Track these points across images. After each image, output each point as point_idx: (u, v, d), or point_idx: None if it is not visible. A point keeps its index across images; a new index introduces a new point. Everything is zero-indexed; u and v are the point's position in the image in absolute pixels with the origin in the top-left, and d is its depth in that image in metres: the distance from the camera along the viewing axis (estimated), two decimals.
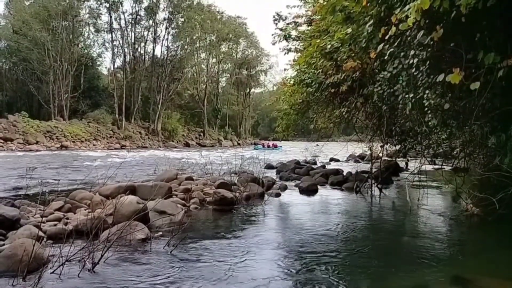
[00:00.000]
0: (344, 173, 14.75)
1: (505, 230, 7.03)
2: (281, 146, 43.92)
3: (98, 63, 58.15)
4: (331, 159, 24.26)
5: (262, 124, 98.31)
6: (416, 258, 5.53)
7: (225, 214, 8.57)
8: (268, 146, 45.89)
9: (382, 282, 4.55)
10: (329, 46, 9.38)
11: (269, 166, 18.49)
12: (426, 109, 6.73)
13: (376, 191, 11.91)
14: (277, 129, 16.83)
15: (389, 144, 13.91)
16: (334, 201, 10.87)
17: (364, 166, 15.12)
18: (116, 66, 57.70)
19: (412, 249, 6.04)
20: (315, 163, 20.98)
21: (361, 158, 23.03)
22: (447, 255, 5.86)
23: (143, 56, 59.15)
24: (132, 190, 8.16)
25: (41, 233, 5.75)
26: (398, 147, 13.77)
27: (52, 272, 4.55)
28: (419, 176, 10.38)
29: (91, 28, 55.36)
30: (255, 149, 44.03)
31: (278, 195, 11.06)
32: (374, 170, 12.90)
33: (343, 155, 23.09)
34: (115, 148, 44.19)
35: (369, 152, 13.45)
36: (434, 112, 7.18)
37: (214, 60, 71.12)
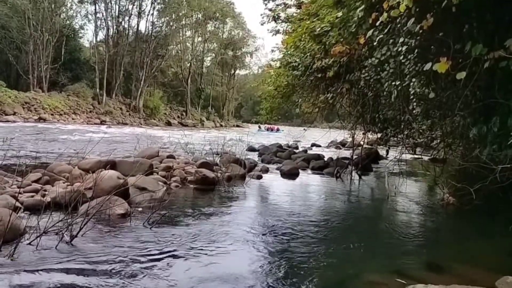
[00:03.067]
0: (325, 159, 14.88)
1: (480, 220, 7.24)
2: (282, 130, 44.85)
3: (80, 35, 56.58)
4: (313, 144, 24.45)
5: (245, 107, 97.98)
6: (392, 244, 5.67)
7: (206, 194, 8.57)
8: (272, 130, 47.30)
9: (357, 267, 4.64)
10: (318, 29, 9.35)
11: (252, 149, 18.51)
12: (411, 97, 6.82)
13: (356, 177, 12.09)
14: (261, 111, 16.81)
15: (371, 132, 14.09)
16: (315, 186, 10.99)
17: (345, 153, 15.29)
18: (98, 39, 56.37)
19: (388, 235, 6.17)
20: (297, 148, 21.10)
21: (343, 144, 23.31)
22: (422, 242, 6.02)
23: (127, 31, 57.86)
24: (112, 165, 8.06)
25: (18, 204, 5.66)
26: (379, 135, 13.96)
27: (29, 244, 4.49)
28: (399, 164, 10.54)
29: None
30: (258, 131, 44.94)
31: (259, 177, 11.10)
32: (355, 157, 13.08)
33: (325, 141, 23.30)
34: (95, 123, 43.47)
35: (350, 139, 13.59)
36: (418, 101, 7.28)
37: (199, 38, 70.11)
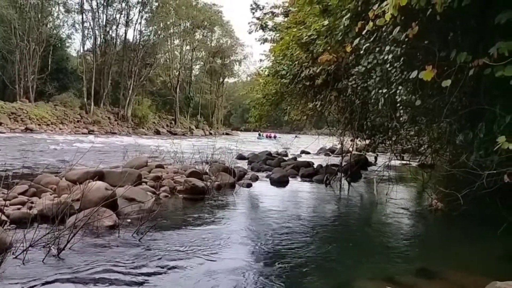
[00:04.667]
0: (315, 166, 14.92)
1: (468, 225, 7.29)
2: (280, 137, 46.55)
3: (67, 44, 56.16)
4: (302, 152, 24.51)
5: (234, 115, 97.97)
6: (382, 250, 5.68)
7: (196, 203, 8.53)
8: (270, 137, 50.04)
9: (347, 274, 4.64)
10: (305, 37, 9.42)
11: (241, 157, 18.49)
12: (397, 105, 6.88)
13: (345, 184, 12.13)
14: (250, 119, 16.83)
15: (359, 139, 14.18)
16: (304, 193, 10.99)
17: (334, 160, 15.32)
18: (86, 48, 56.08)
19: (378, 242, 6.19)
20: (286, 155, 21.12)
21: (332, 151, 23.37)
22: (411, 248, 6.05)
23: (115, 40, 57.73)
24: (100, 176, 7.99)
25: (4, 217, 5.57)
26: (368, 141, 14.06)
27: (15, 257, 4.42)
28: (388, 171, 10.61)
29: (61, 8, 53.44)
30: (258, 138, 48.57)
31: (249, 185, 11.09)
32: (344, 163, 13.13)
33: (314, 148, 23.37)
34: (83, 133, 43.08)
35: (339, 145, 13.65)
36: (405, 108, 7.35)
37: (188, 47, 70.09)
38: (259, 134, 51.30)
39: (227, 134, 72.01)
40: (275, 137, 49.61)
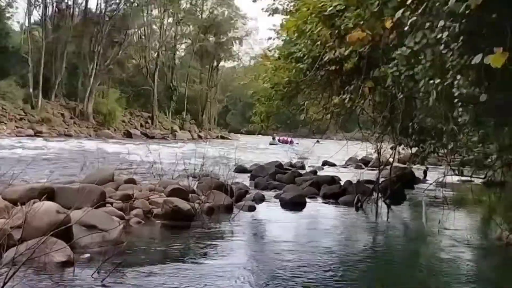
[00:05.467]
0: (342, 183, 14.87)
1: None
2: (297, 143, 46.74)
3: (7, 15, 56.59)
4: (325, 163, 24.48)
5: (233, 111, 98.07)
6: None
7: (179, 232, 8.52)
8: (286, 142, 51.12)
9: None
10: (330, 8, 9.41)
11: (241, 169, 18.49)
12: (455, 100, 6.83)
13: (383, 208, 12.06)
14: (253, 118, 16.77)
15: (402, 146, 14.08)
16: (327, 220, 10.95)
17: (369, 174, 15.28)
18: (33, 20, 56.50)
19: None
20: (303, 167, 21.10)
21: (365, 163, 23.34)
22: None
23: (71, 9, 58.06)
24: (49, 194, 8.00)
25: None
26: (414, 150, 13.96)
27: None
28: (441, 190, 10.54)
29: None
30: (271, 144, 50.77)
31: (252, 208, 11.08)
32: (381, 179, 13.07)
33: (341, 158, 23.29)
34: (27, 135, 43.27)
35: (375, 155, 13.62)
36: (466, 105, 7.30)
37: (170, 19, 70.33)
38: (273, 139, 53.04)
39: (222, 137, 72.11)
40: (291, 142, 50.19)
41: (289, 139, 52.01)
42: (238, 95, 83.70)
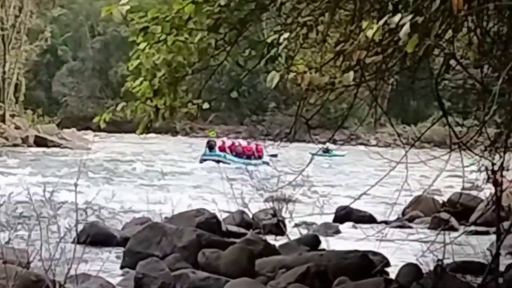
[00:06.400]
0: (393, 270, 7.66)
1: None
2: (275, 155, 22.86)
3: None
4: (343, 215, 12.89)
5: (72, 79, 60.10)
6: None
7: None
8: (249, 154, 32.51)
9: None
10: None
11: (99, 236, 9.97)
12: None
13: None
14: (130, 87, 6.85)
15: None
16: None
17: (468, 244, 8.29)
18: None
19: None
20: (278, 227, 11.15)
21: (458, 213, 11.92)
22: None
23: None
24: None
25: None
26: None
27: None
28: None
29: None
30: (203, 159, 32.62)
31: None
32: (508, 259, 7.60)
33: (389, 194, 11.98)
34: None
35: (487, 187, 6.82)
36: None
37: None
38: (209, 146, 32.65)
39: (42, 143, 39.66)
40: (260, 154, 31.32)
41: (258, 146, 31.57)
42: (82, 33, 54.27)
